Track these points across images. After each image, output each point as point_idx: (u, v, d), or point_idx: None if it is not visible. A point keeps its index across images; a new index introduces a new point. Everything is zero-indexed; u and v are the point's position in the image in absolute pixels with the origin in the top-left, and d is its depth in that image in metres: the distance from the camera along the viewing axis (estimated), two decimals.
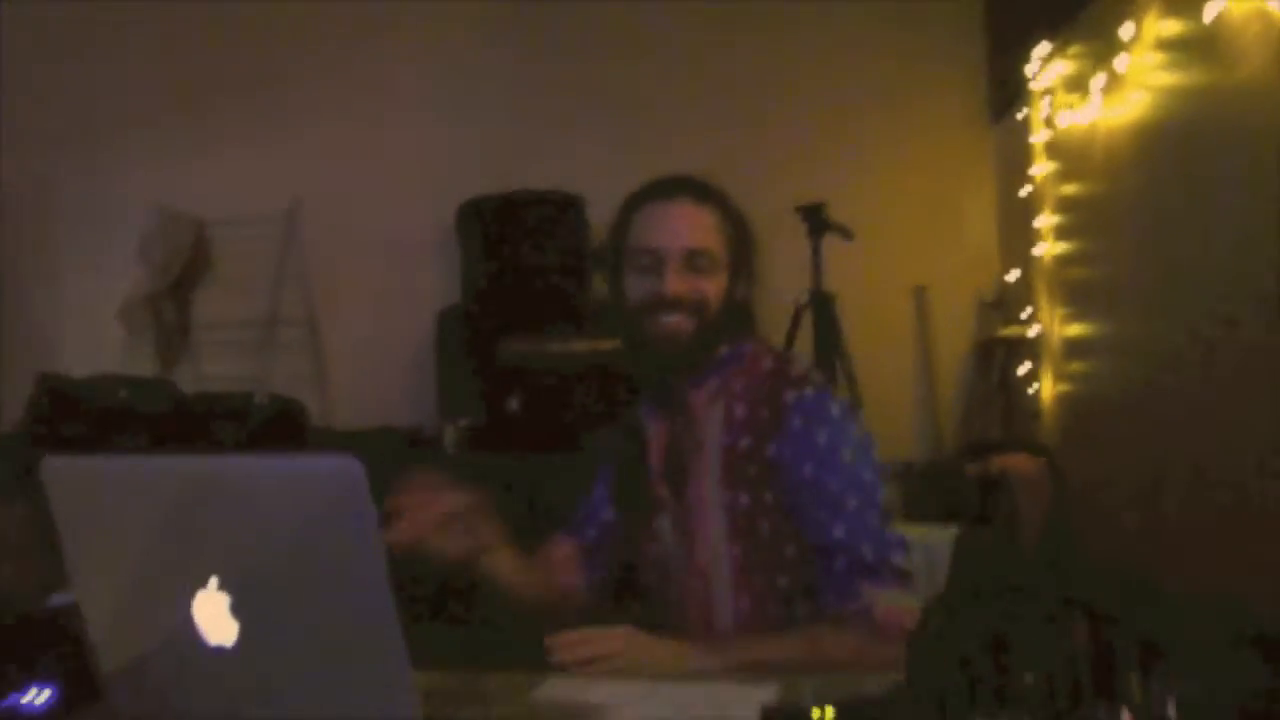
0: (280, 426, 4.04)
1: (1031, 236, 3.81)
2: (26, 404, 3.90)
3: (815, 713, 0.85)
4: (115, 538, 1.10)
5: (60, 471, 1.14)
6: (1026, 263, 3.91)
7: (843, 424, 1.46)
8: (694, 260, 1.46)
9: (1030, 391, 3.86)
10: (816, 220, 3.09)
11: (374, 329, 4.56)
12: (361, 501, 0.88)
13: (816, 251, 3.11)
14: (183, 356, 4.66)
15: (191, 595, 0.99)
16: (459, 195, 4.25)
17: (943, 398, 4.39)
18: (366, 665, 0.92)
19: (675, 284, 1.45)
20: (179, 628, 1.00)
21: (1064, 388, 3.64)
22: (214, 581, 0.98)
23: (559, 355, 3.87)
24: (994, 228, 4.37)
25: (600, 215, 3.97)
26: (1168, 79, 2.69)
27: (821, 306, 3.08)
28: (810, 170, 4.18)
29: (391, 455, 3.61)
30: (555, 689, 1.20)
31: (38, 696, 1.19)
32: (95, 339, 4.70)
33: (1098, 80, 3.04)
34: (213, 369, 4.63)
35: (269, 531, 0.96)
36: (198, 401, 4.01)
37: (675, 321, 1.46)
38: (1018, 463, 2.77)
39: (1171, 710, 0.76)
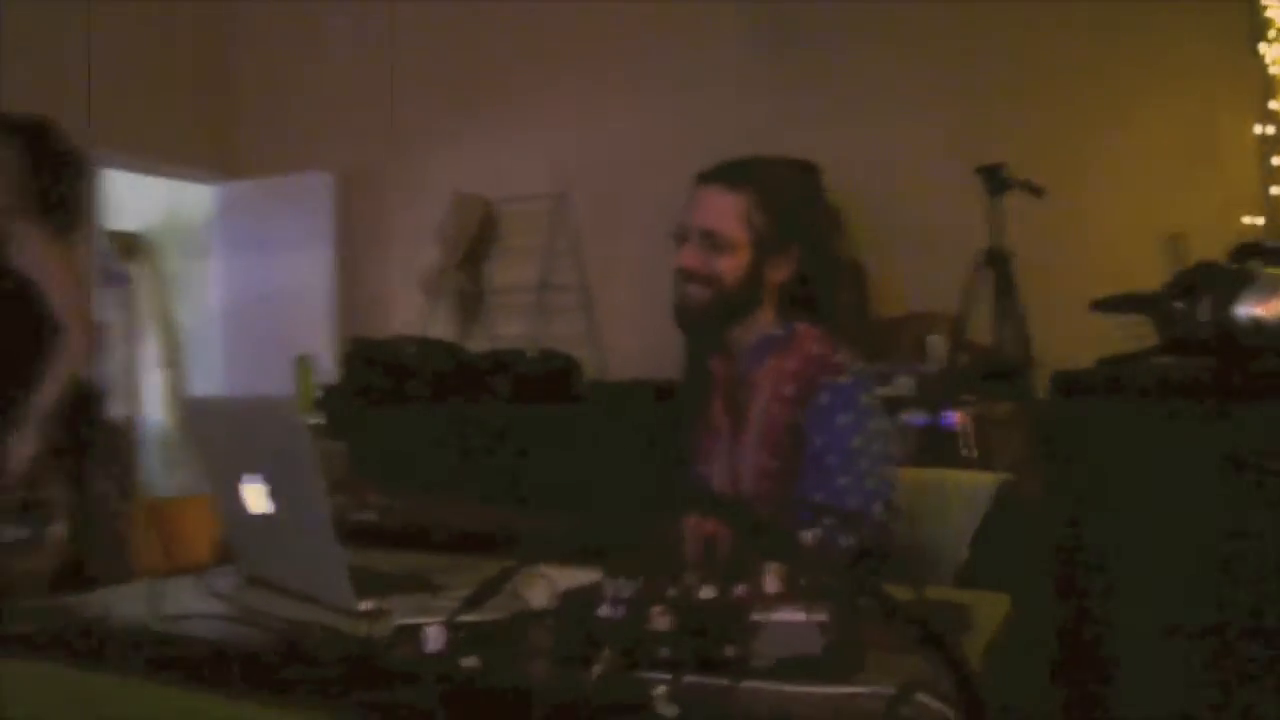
0: (549, 379, 4.55)
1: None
2: (341, 361, 4.68)
3: None
4: (222, 448, 1.54)
5: (198, 407, 1.61)
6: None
7: (865, 413, 1.61)
8: (709, 239, 1.66)
9: None
10: (995, 180, 3.15)
11: (640, 293, 5.00)
12: (301, 434, 1.27)
13: (996, 210, 3.16)
14: (478, 319, 5.35)
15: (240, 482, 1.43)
16: (701, 165, 4.57)
17: None
18: (317, 546, 1.31)
19: (687, 258, 1.68)
20: (237, 504, 1.44)
21: None
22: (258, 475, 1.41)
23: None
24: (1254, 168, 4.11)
25: (837, 183, 4.19)
26: None
27: (999, 265, 3.14)
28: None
29: (642, 403, 4.04)
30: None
31: None
32: (415, 305, 5.51)
33: None
34: (504, 330, 5.29)
35: (274, 447, 1.37)
36: (476, 358, 4.61)
37: (689, 291, 1.69)
38: None
39: None
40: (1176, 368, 2.19)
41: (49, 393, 2.42)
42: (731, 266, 1.65)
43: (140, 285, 6.69)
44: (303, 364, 4.85)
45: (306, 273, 5.82)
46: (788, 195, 1.72)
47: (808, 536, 1.08)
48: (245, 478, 1.42)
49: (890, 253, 4.31)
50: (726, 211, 1.66)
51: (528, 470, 3.89)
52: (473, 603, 1.06)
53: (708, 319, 1.70)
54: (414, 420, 4.32)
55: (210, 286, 6.19)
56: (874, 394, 1.65)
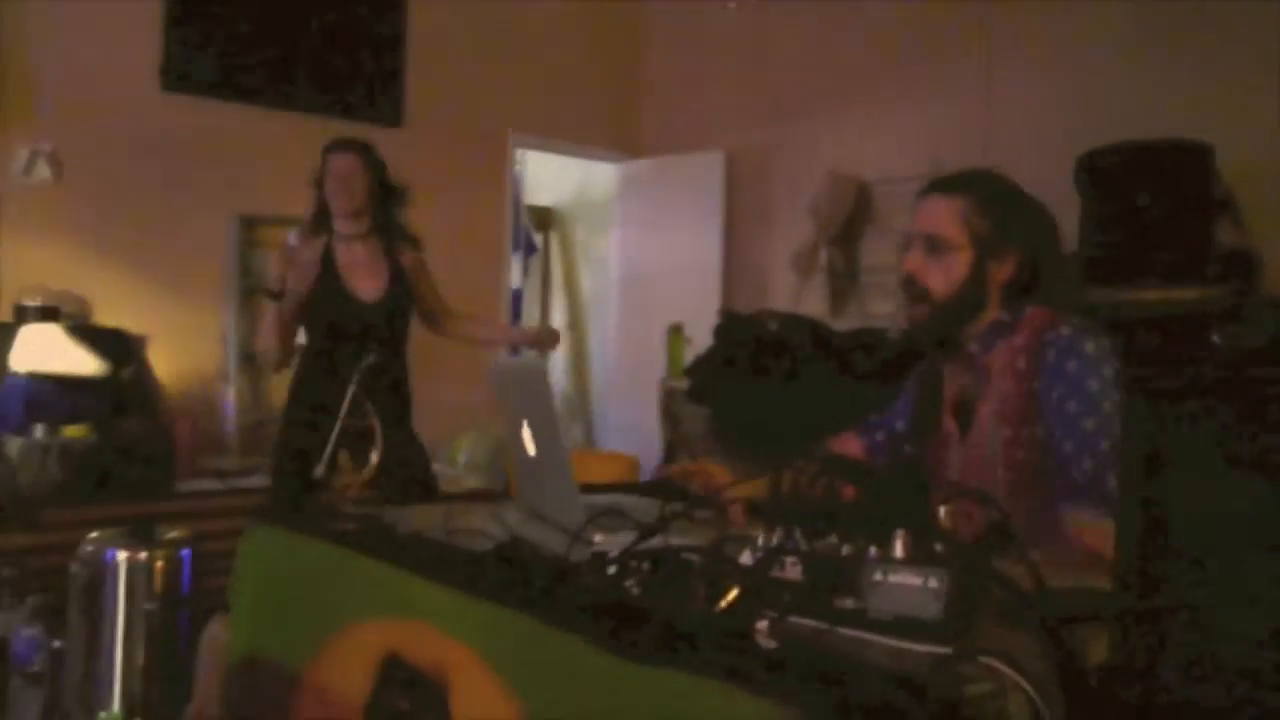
0: (909, 357, 4.60)
1: None
2: (714, 332, 4.98)
3: None
4: (511, 402, 1.84)
5: (498, 367, 1.92)
6: None
7: (1095, 358, 1.66)
8: (930, 244, 1.77)
9: None
10: None
11: None
12: (546, 392, 1.53)
13: None
14: (851, 297, 5.47)
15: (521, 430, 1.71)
16: (1079, 147, 4.39)
17: None
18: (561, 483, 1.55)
19: (910, 263, 1.80)
20: (521, 447, 1.72)
21: None
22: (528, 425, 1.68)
23: (1155, 303, 3.89)
24: None
25: (1225, 164, 3.91)
26: None
27: None
28: None
29: None
30: None
31: None
32: (793, 281, 5.72)
33: None
34: (876, 309, 5.37)
35: (533, 403, 1.63)
36: (837, 335, 4.74)
37: (913, 314, 1.81)
38: None
39: None
40: None
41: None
42: (952, 268, 1.75)
43: (551, 254, 7.45)
44: (674, 332, 5.22)
45: (697, 246, 6.20)
46: (1005, 200, 1.79)
47: (942, 511, 1.16)
48: (524, 426, 1.70)
49: None
50: (945, 216, 1.77)
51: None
52: (641, 538, 1.25)
53: (932, 333, 1.81)
54: (771, 392, 4.53)
55: (611, 257, 6.75)
56: (1101, 343, 1.67)
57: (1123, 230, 4.24)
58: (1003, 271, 1.76)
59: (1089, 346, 1.67)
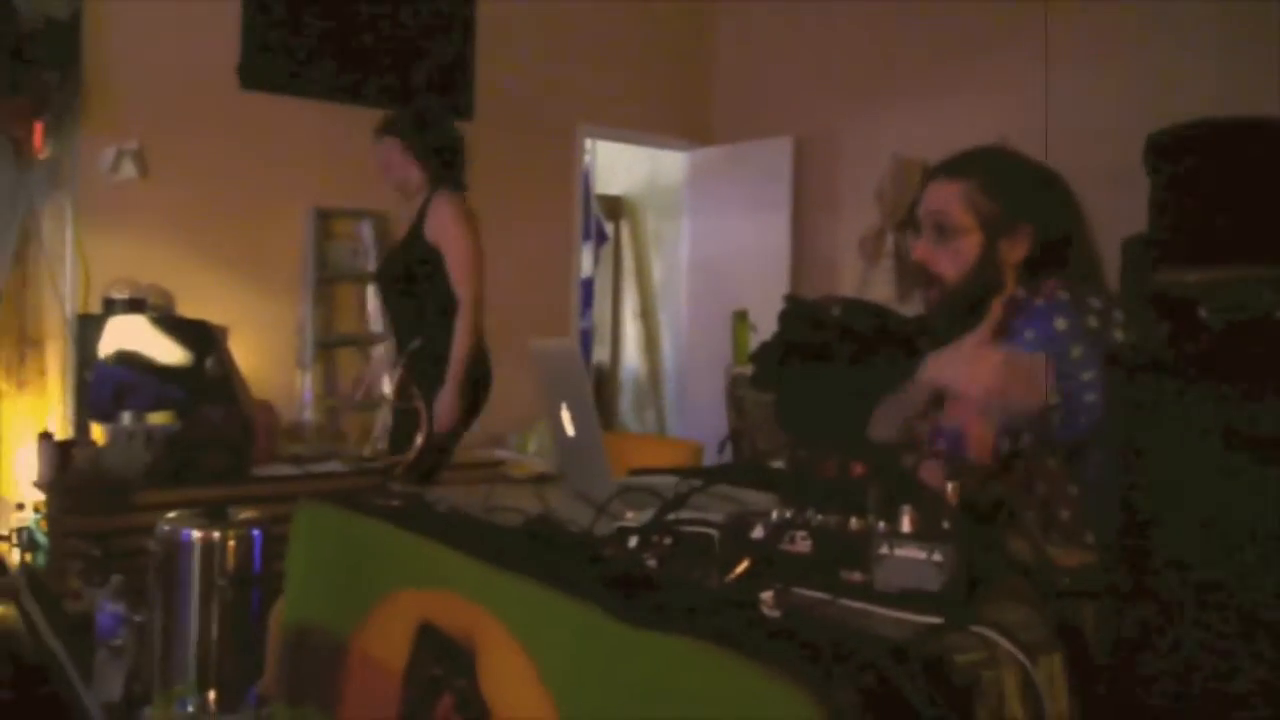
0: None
1: None
2: (778, 318, 4.99)
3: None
4: (550, 384, 1.90)
5: (539, 349, 1.98)
6: None
7: (1063, 335, 1.62)
8: (937, 228, 1.76)
9: None
10: None
11: None
12: (580, 374, 1.58)
13: None
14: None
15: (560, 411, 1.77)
16: (1148, 127, 4.31)
17: None
18: (595, 463, 1.60)
19: (919, 249, 1.80)
20: (560, 428, 1.78)
21: None
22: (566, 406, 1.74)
23: (1221, 284, 3.81)
24: None
25: None
26: None
27: None
28: None
29: None
30: None
31: None
32: (860, 267, 5.70)
33: None
34: None
35: (570, 384, 1.69)
36: (902, 320, 4.71)
37: (928, 298, 1.82)
38: None
39: None
40: None
41: (460, 344, 3.07)
42: (961, 252, 1.73)
43: (622, 243, 7.52)
44: (739, 319, 5.24)
45: (765, 233, 6.21)
46: (1013, 177, 1.77)
47: (948, 487, 1.19)
48: (562, 407, 1.75)
49: None
50: (950, 199, 1.75)
51: None
52: (660, 514, 1.29)
53: (946, 316, 1.79)
54: (834, 378, 4.53)
55: (682, 244, 6.79)
56: (1076, 324, 1.63)
57: (1192, 209, 4.16)
58: (1016, 250, 1.73)
59: (1059, 324, 1.64)
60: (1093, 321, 1.66)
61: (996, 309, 1.69)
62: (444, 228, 3.24)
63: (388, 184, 3.43)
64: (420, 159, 3.33)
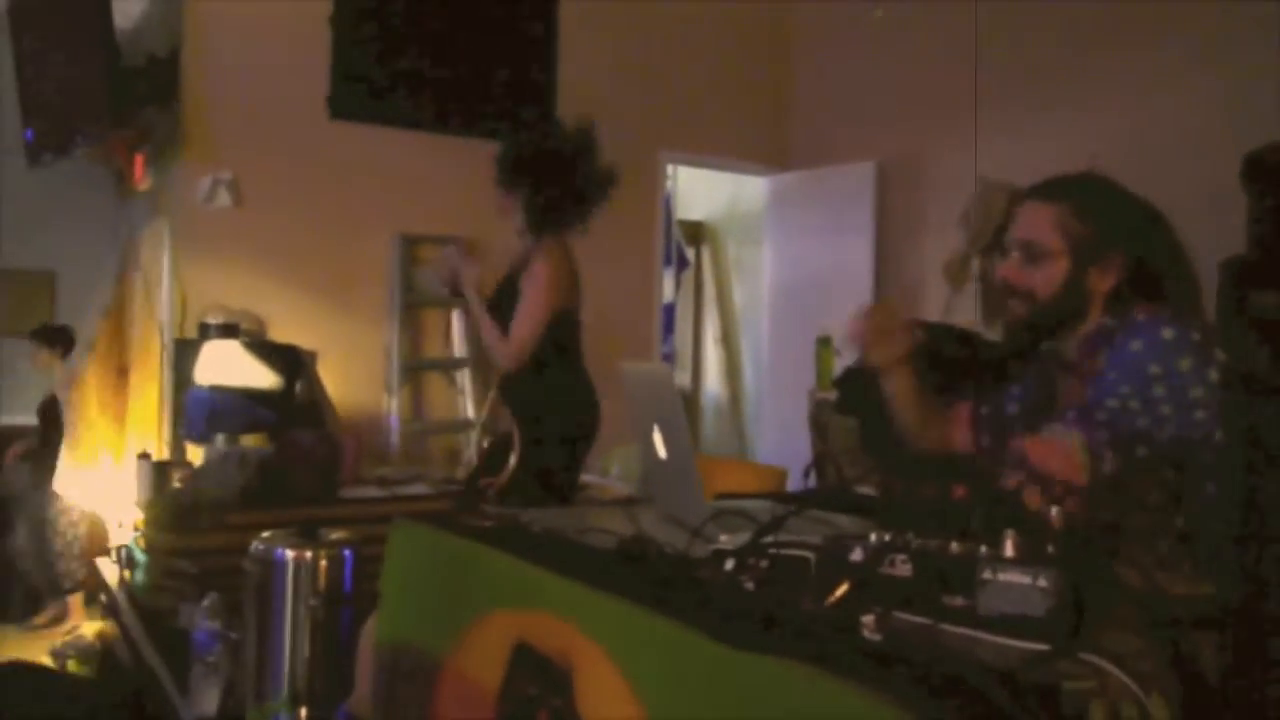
0: None
1: None
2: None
3: None
4: (642, 406, 1.90)
5: (629, 371, 1.99)
6: None
7: (1170, 344, 1.58)
8: (1027, 250, 1.73)
9: None
10: None
11: None
12: (674, 397, 1.58)
13: None
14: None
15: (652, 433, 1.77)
16: (1242, 147, 4.21)
17: None
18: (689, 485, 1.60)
19: (1006, 269, 1.77)
20: (652, 450, 1.78)
21: None
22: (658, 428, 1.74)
23: None
24: None
25: None
26: None
27: None
28: None
29: None
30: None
31: None
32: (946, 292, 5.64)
33: None
34: None
35: (663, 407, 1.69)
36: (988, 344, 4.64)
37: (1011, 306, 1.78)
38: None
39: None
40: None
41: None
42: (1049, 276, 1.70)
43: (703, 268, 7.52)
44: (823, 344, 5.21)
45: (848, 258, 6.17)
46: (1107, 204, 1.73)
47: (1051, 511, 1.16)
48: (655, 429, 1.76)
49: None
50: (1042, 222, 1.72)
51: None
52: (757, 536, 1.29)
53: (1029, 332, 1.77)
54: None
55: (763, 271, 6.78)
56: (1188, 335, 1.59)
57: None
58: (1106, 279, 1.70)
59: (1166, 333, 1.60)
60: (1197, 336, 1.62)
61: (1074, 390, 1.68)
62: (533, 279, 3.18)
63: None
64: (521, 204, 3.24)
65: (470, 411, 5.30)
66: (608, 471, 5.33)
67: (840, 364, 5.24)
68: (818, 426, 5.18)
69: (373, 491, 4.51)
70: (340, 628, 2.65)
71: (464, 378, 5.36)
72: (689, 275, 7.50)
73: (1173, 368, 1.57)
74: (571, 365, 3.29)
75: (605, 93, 5.93)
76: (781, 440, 6.26)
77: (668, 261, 6.79)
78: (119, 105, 4.54)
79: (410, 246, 5.32)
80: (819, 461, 5.05)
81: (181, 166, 4.81)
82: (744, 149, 6.57)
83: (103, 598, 4.41)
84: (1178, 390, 1.56)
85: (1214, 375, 1.57)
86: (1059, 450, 1.36)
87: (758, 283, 6.86)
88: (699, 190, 7.36)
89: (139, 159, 4.82)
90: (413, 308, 5.32)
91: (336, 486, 4.34)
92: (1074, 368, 1.76)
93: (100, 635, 4.32)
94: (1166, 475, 1.52)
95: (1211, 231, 4.48)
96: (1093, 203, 1.73)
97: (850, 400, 4.94)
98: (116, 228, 5.33)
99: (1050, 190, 1.77)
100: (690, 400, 7.53)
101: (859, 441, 4.88)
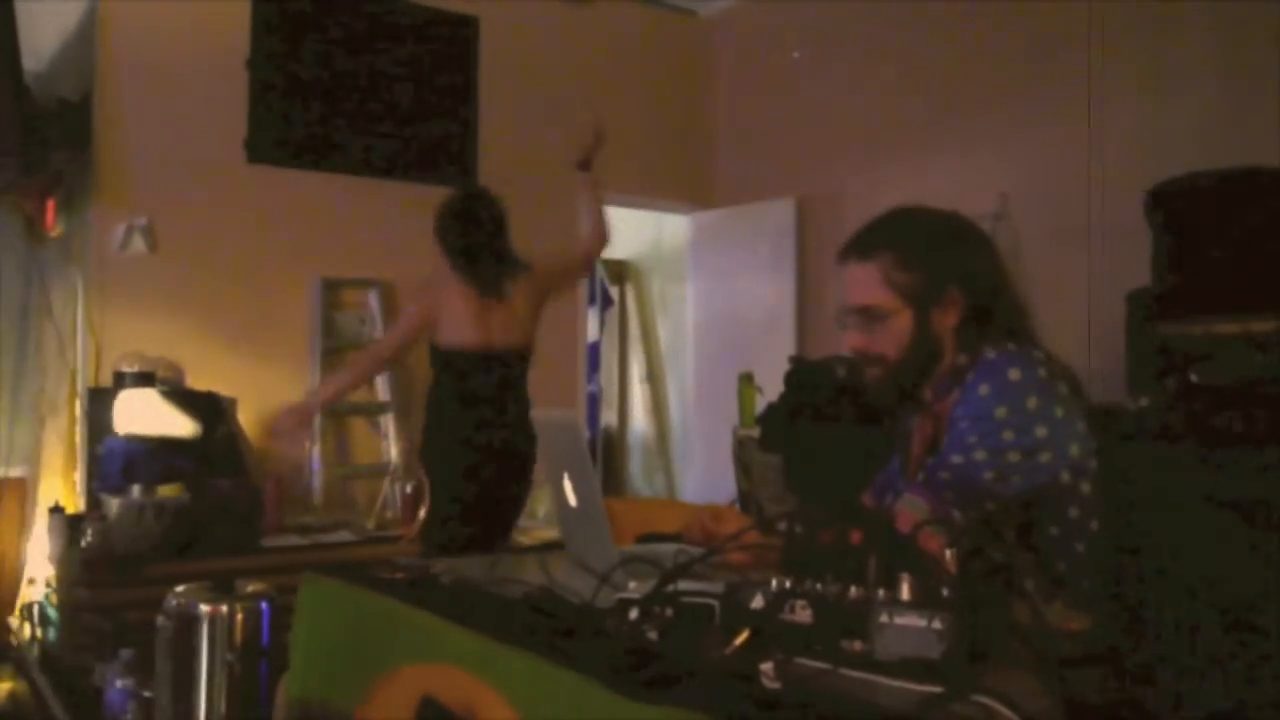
0: None
1: None
2: (784, 379, 5.01)
3: None
4: (553, 454, 1.91)
5: (542, 420, 2.00)
6: None
7: (1017, 385, 1.59)
8: (864, 315, 1.70)
9: None
10: None
11: (1070, 309, 4.82)
12: (581, 446, 1.59)
13: None
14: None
15: (562, 480, 1.77)
16: (1151, 180, 4.35)
17: None
18: (598, 533, 1.61)
19: (852, 340, 1.75)
20: (563, 497, 1.79)
21: None
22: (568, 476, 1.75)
23: (1221, 337, 3.82)
24: None
25: None
26: None
27: None
28: None
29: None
30: None
31: None
32: None
33: None
34: None
35: (572, 455, 1.70)
36: None
37: (869, 374, 1.76)
38: None
39: None
40: None
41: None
42: (895, 335, 1.68)
43: (627, 307, 7.56)
44: (744, 381, 5.25)
45: (771, 295, 6.24)
46: (929, 242, 1.71)
47: (947, 554, 1.19)
48: (565, 477, 1.76)
49: None
50: (869, 283, 1.69)
51: None
52: (660, 585, 1.29)
53: (892, 394, 1.77)
54: (840, 439, 4.53)
55: (688, 308, 6.83)
56: (1033, 372, 1.60)
57: (1194, 263, 4.18)
58: (949, 315, 1.68)
59: (1012, 374, 1.60)
60: (1042, 372, 1.63)
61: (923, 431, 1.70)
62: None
63: None
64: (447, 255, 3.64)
65: (395, 456, 5.25)
66: (535, 514, 5.31)
67: (762, 401, 5.29)
68: (742, 464, 5.21)
69: (295, 540, 4.45)
70: (258, 682, 2.60)
71: (388, 422, 5.30)
72: (613, 314, 7.52)
73: (1020, 406, 1.59)
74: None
75: (525, 132, 5.95)
76: (709, 478, 6.29)
77: (592, 300, 6.81)
78: (29, 150, 4.45)
79: (331, 291, 5.27)
80: (743, 499, 5.08)
81: (95, 212, 4.72)
82: (667, 187, 6.63)
83: (13, 657, 4.27)
84: (1024, 434, 1.57)
85: (1059, 411, 1.59)
86: (910, 520, 1.38)
87: (682, 320, 6.90)
88: (622, 229, 7.35)
89: (50, 204, 4.72)
90: (334, 352, 5.26)
91: (258, 535, 4.27)
92: (927, 407, 1.76)
93: (11, 695, 4.17)
94: (1020, 518, 1.57)
95: (1119, 264, 4.65)
96: (912, 245, 1.70)
97: (772, 437, 4.99)
98: (28, 274, 5.20)
99: (865, 247, 1.73)
100: (617, 439, 7.53)
101: (781, 478, 4.92)
